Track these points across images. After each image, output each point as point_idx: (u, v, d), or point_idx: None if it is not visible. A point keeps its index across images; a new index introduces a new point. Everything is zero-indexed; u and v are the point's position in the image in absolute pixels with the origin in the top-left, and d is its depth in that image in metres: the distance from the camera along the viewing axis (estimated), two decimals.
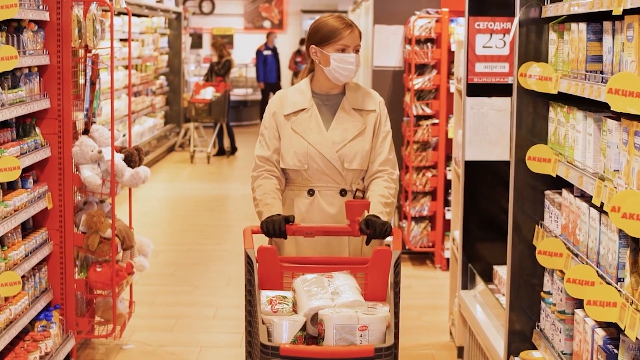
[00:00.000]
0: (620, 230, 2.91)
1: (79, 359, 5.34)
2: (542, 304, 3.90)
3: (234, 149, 14.68)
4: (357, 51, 3.88)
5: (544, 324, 3.86)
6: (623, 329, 2.80)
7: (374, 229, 3.58)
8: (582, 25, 3.34)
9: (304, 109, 3.90)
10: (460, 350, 5.39)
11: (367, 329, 3.13)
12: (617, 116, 3.00)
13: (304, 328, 3.22)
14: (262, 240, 3.72)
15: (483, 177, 5.28)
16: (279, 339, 3.17)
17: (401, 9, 7.88)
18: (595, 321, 3.24)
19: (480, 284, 5.23)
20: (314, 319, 3.24)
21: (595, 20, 3.29)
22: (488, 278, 5.12)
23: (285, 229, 3.62)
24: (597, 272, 3.12)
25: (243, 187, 11.45)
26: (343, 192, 3.88)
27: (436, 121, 7.60)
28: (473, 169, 5.28)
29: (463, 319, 5.26)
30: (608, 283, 3.00)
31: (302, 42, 19.89)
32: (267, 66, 18.26)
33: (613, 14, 2.87)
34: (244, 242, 3.50)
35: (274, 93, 17.44)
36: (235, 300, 6.53)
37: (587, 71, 3.30)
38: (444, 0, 7.76)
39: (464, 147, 5.23)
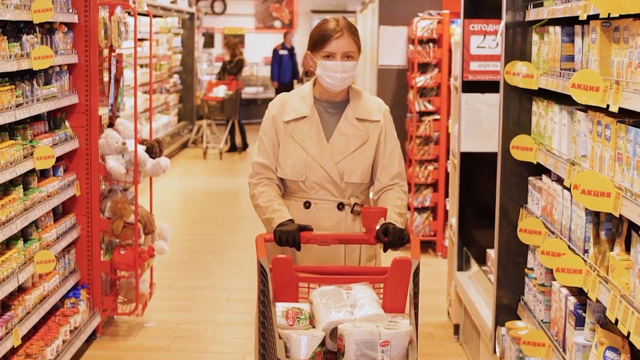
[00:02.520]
0: (587, 208, 3.33)
1: (104, 335, 5.78)
2: (526, 279, 4.33)
3: (245, 145, 15.11)
4: (348, 57, 3.64)
5: (528, 297, 4.29)
6: (586, 292, 3.23)
7: (392, 237, 3.43)
8: (558, 29, 3.76)
9: (305, 117, 3.72)
10: (457, 327, 5.82)
11: (389, 344, 3.00)
12: (586, 109, 3.43)
13: (322, 343, 3.07)
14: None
15: (478, 168, 5.70)
16: (297, 354, 3.02)
17: (405, 10, 8.31)
18: (568, 290, 3.66)
19: (474, 266, 5.65)
20: (333, 333, 3.10)
21: (569, 24, 3.72)
22: (482, 261, 5.55)
23: (299, 239, 3.45)
24: (568, 245, 3.55)
25: None
26: (340, 206, 3.71)
27: (437, 117, 8.02)
28: (468, 160, 5.70)
29: (459, 298, 5.68)
30: (577, 254, 3.42)
31: None
32: (282, 66, 18.36)
33: (580, 19, 3.30)
34: (256, 251, 3.33)
35: None
36: (247, 285, 6.97)
37: (561, 69, 3.72)
38: (445, 2, 8.18)
39: (460, 140, 5.65)
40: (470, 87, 5.58)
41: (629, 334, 2.77)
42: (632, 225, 2.97)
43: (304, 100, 3.76)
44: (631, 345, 2.98)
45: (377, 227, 3.47)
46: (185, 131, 15.76)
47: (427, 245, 8.19)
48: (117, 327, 5.97)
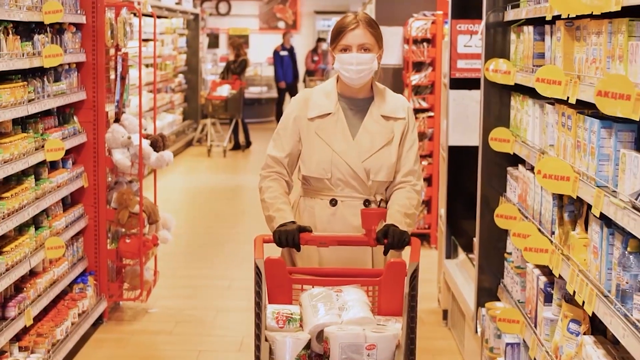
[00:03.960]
0: (553, 193, 3.63)
1: (110, 320, 6.09)
2: (505, 263, 4.62)
3: (248, 143, 15.40)
4: (365, 50, 3.60)
5: (507, 279, 4.58)
6: (551, 269, 3.53)
7: (392, 239, 3.39)
8: (531, 28, 4.06)
9: (330, 114, 3.67)
10: (445, 312, 6.11)
11: (375, 347, 2.97)
12: (553, 102, 3.72)
13: (308, 346, 3.05)
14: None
15: (465, 160, 5.99)
16: (281, 357, 3.03)
17: (400, 11, 8.62)
18: (540, 270, 3.96)
19: (461, 254, 5.94)
20: (320, 336, 3.07)
21: (541, 24, 4.01)
22: (469, 249, 5.84)
23: (298, 241, 3.44)
24: (538, 228, 3.84)
25: (257, 179, 12.15)
26: (367, 203, 3.67)
27: (432, 114, 8.33)
28: (456, 153, 6.00)
29: (447, 285, 5.97)
30: (545, 235, 3.71)
31: (318, 40, 20.60)
32: (283, 66, 18.69)
33: (546, 19, 3.60)
34: (254, 252, 3.32)
35: (290, 93, 18.04)
36: (247, 274, 7.18)
37: (533, 65, 4.01)
38: (439, 3, 8.48)
39: (448, 134, 5.95)
40: (457, 84, 5.88)
41: (583, 303, 3.06)
42: (590, 207, 3.26)
43: (328, 97, 3.71)
44: (591, 317, 3.28)
45: (378, 229, 3.43)
46: (190, 130, 16.06)
47: (422, 238, 8.48)
48: (122, 312, 6.28)
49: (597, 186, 2.97)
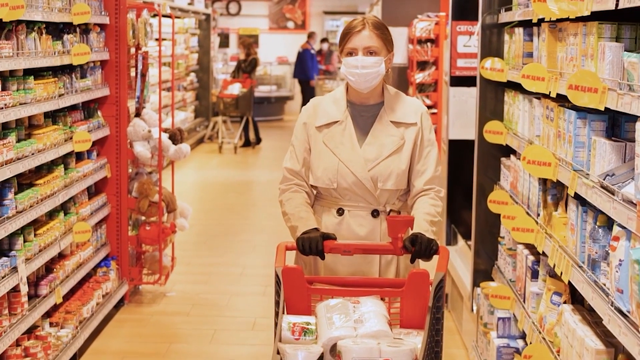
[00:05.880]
0: (539, 178, 4.01)
1: (131, 302, 6.49)
2: (499, 247, 5.00)
3: (258, 139, 15.79)
4: (371, 53, 3.50)
5: (500, 261, 4.96)
6: (536, 246, 3.92)
7: (420, 247, 3.25)
8: (521, 29, 4.44)
9: (338, 122, 3.58)
10: (446, 296, 6.49)
11: None
12: (540, 97, 4.11)
13: (321, 359, 2.92)
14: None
15: (464, 153, 6.36)
16: None
17: (406, 12, 9.02)
18: (529, 250, 4.34)
19: (461, 241, 6.33)
20: (334, 349, 2.95)
21: (530, 26, 4.39)
22: (468, 237, 6.22)
23: (322, 248, 3.31)
24: (526, 211, 4.22)
25: (267, 174, 12.69)
26: (375, 213, 3.56)
27: (435, 111, 8.72)
28: (456, 146, 6.39)
29: (447, 270, 6.35)
30: (531, 217, 4.10)
31: (321, 41, 20.97)
32: (313, 64, 19.02)
33: (533, 22, 3.98)
34: (275, 260, 3.24)
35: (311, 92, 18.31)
36: (259, 262, 7.68)
37: (523, 64, 4.39)
38: (442, 4, 8.85)
39: (448, 129, 6.34)
40: (457, 81, 6.28)
41: (561, 274, 3.45)
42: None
43: (336, 104, 3.62)
44: (571, 290, 3.66)
45: (405, 237, 3.29)
46: (201, 127, 16.46)
47: None
48: (142, 295, 6.68)
49: (574, 170, 3.36)
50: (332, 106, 3.61)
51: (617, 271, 2.77)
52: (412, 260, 3.31)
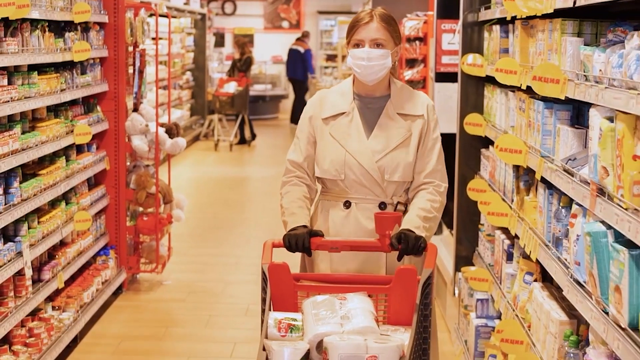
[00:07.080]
0: (513, 166, 4.28)
1: (129, 290, 6.75)
2: (479, 234, 5.27)
3: (253, 136, 16.02)
4: (378, 45, 3.48)
5: (480, 247, 5.23)
6: (510, 229, 4.18)
7: (407, 244, 3.25)
8: (497, 27, 4.71)
9: (344, 113, 3.58)
10: None
11: (377, 359, 2.82)
12: (514, 89, 4.37)
13: (307, 356, 2.91)
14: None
15: (449, 146, 6.60)
16: None
17: (394, 11, 9.13)
18: (505, 235, 4.60)
19: (445, 230, 6.60)
20: (320, 346, 2.93)
21: (506, 23, 4.66)
22: (452, 227, 6.48)
23: (309, 245, 3.31)
24: (502, 198, 4.49)
25: (262, 171, 12.98)
26: (382, 205, 3.54)
27: None
28: (442, 140, 6.61)
29: None
30: (506, 203, 4.37)
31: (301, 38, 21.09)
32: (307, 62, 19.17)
33: (507, 19, 4.25)
34: (262, 257, 3.25)
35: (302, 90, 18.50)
36: (253, 253, 7.94)
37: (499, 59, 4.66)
38: (431, 3, 9.12)
39: None
40: (442, 77, 6.55)
41: (530, 252, 3.72)
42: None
43: (343, 96, 3.62)
44: (541, 270, 3.93)
45: (393, 234, 3.29)
46: (196, 125, 16.69)
47: None
48: (139, 283, 6.95)
49: (541, 156, 3.62)
50: (339, 98, 3.62)
51: (575, 245, 3.04)
52: (399, 258, 3.31)
